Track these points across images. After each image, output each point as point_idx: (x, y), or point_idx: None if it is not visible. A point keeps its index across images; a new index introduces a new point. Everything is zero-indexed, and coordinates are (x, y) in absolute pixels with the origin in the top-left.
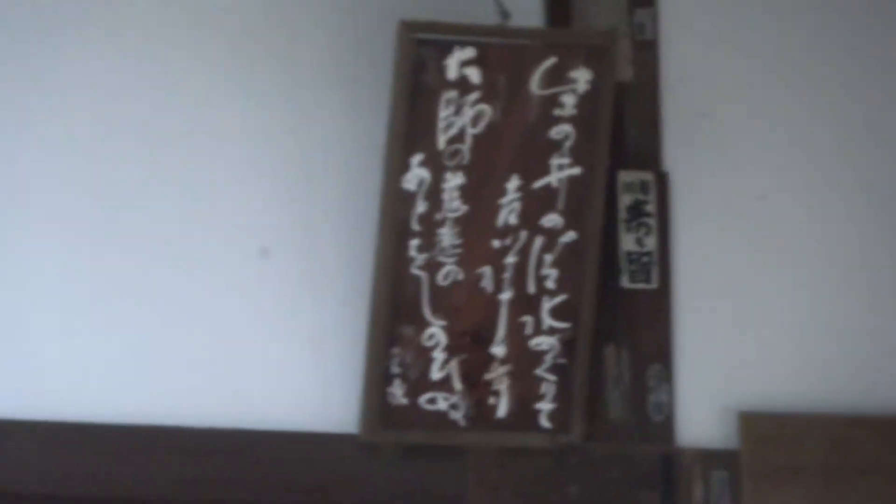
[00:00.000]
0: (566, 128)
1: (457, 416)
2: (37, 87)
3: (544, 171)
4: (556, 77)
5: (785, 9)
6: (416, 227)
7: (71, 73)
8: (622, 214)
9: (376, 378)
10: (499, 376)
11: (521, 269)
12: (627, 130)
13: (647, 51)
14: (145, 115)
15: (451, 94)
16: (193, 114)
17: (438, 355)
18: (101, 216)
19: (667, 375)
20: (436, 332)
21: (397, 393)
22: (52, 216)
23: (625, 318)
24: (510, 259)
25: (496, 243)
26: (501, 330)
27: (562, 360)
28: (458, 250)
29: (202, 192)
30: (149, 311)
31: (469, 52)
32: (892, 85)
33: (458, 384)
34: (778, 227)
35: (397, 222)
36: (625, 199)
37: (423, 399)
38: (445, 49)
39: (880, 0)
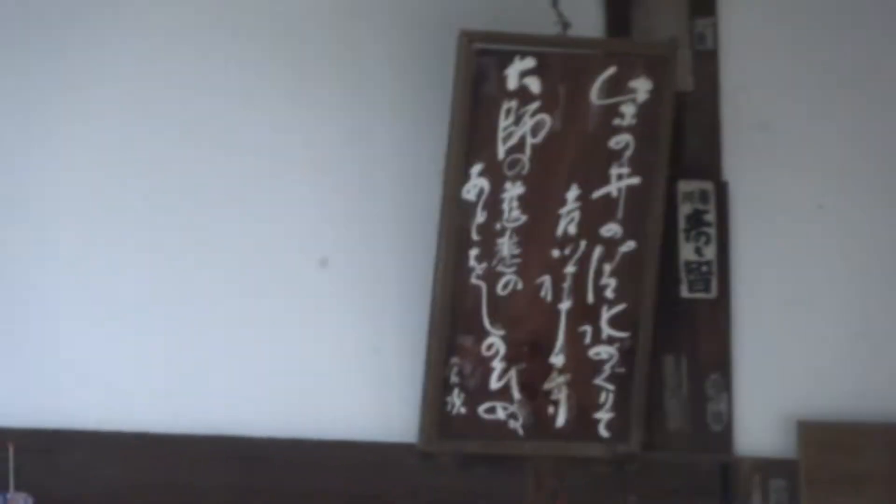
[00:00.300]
0: (625, 137)
1: (515, 425)
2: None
3: (604, 180)
4: (616, 87)
5: (844, 20)
6: (475, 237)
7: (125, 81)
8: (681, 224)
9: (435, 387)
10: (557, 385)
11: (580, 279)
12: (687, 140)
13: (707, 61)
14: (204, 126)
15: (511, 103)
16: (254, 125)
17: (497, 365)
18: (158, 228)
19: (725, 385)
20: (495, 342)
21: (456, 402)
22: (102, 228)
23: (683, 327)
24: (569, 269)
25: (555, 253)
26: (560, 339)
27: (620, 370)
28: (518, 260)
29: (262, 204)
30: (211, 324)
31: (529, 62)
32: None
33: (516, 393)
34: (837, 235)
35: (457, 232)
36: (684, 209)
37: (481, 408)
38: (506, 59)
39: None
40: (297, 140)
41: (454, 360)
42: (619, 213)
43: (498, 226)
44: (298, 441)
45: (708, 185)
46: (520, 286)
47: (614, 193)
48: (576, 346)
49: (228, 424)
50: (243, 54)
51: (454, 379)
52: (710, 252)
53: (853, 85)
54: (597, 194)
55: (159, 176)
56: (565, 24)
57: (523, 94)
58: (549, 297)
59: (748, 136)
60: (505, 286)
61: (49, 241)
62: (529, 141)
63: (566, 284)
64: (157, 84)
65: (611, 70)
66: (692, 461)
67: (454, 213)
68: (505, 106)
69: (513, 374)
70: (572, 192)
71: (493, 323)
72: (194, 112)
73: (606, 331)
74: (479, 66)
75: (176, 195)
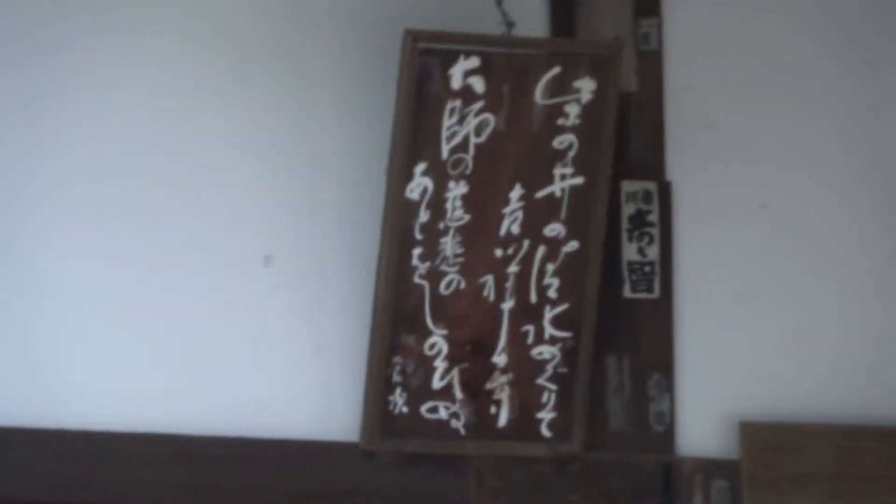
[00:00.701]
0: (569, 137)
1: (457, 424)
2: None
3: (547, 180)
4: (560, 87)
5: (790, 21)
6: (418, 236)
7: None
8: (625, 224)
9: (377, 387)
10: (500, 385)
11: (522, 279)
12: (631, 140)
13: (651, 61)
14: (149, 127)
15: (455, 103)
16: (200, 125)
17: (440, 364)
18: (101, 229)
19: (668, 385)
20: (437, 341)
21: (398, 401)
22: (62, 225)
23: (626, 327)
24: (512, 268)
25: (498, 252)
26: (503, 339)
27: (563, 370)
28: (461, 259)
29: (206, 202)
30: (152, 321)
31: (473, 62)
32: None
33: (458, 393)
34: (780, 235)
35: (400, 231)
36: (627, 209)
37: (423, 408)
38: (450, 58)
39: (885, 10)
40: (242, 139)
41: (396, 359)
42: (563, 213)
43: (441, 225)
44: (241, 440)
45: (651, 186)
46: (462, 286)
47: (558, 193)
48: (518, 346)
49: (170, 422)
50: (187, 55)
51: (396, 378)
52: (652, 252)
53: (797, 86)
54: (540, 194)
55: (103, 177)
56: (510, 24)
57: (467, 94)
58: (491, 297)
59: (692, 136)
60: (448, 285)
61: None
62: (473, 140)
63: (509, 284)
64: (105, 85)
65: (555, 70)
66: (634, 461)
67: (397, 213)
68: (449, 105)
69: (455, 373)
70: (516, 192)
71: (435, 322)
72: (141, 113)
73: (549, 331)
74: (423, 66)
75: (121, 198)
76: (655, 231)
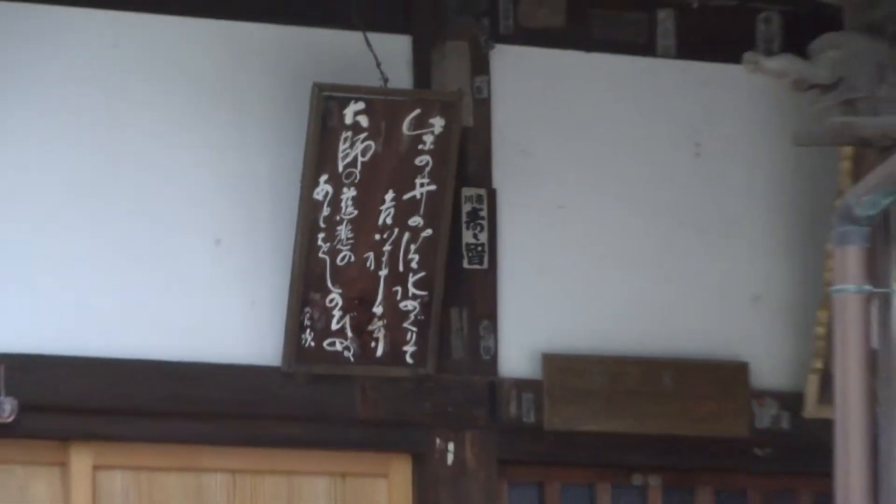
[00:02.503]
0: (426, 157)
1: (348, 354)
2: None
3: (411, 187)
4: (420, 123)
5: (584, 78)
6: (322, 224)
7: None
8: (464, 217)
9: (293, 328)
10: (378, 328)
11: (394, 255)
12: (468, 160)
13: (482, 105)
14: (129, 149)
15: (348, 133)
16: (164, 152)
17: (336, 313)
18: (96, 207)
19: (493, 328)
20: (335, 297)
21: (308, 338)
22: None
23: (464, 289)
24: (387, 247)
25: (377, 237)
26: (380, 296)
27: (421, 317)
28: (351, 241)
29: (172, 198)
30: (120, 274)
31: (360, 105)
32: (656, 141)
33: (349, 333)
34: (572, 226)
35: (310, 222)
36: (466, 207)
37: (325, 343)
38: (344, 102)
39: (668, 75)
40: (201, 153)
41: (307, 309)
42: (421, 210)
43: (338, 217)
44: (194, 364)
45: (482, 191)
46: (352, 259)
47: (418, 196)
48: (390, 301)
49: (157, 351)
50: (154, 95)
51: (307, 322)
52: (483, 237)
53: (587, 123)
54: (406, 196)
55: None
56: (385, 80)
57: (356, 127)
58: (372, 267)
59: (511, 158)
60: (342, 259)
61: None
62: (360, 159)
63: (384, 258)
64: (100, 118)
65: (416, 111)
66: (470, 380)
67: (308, 208)
68: (343, 135)
69: (347, 319)
70: (389, 195)
71: (333, 284)
72: (122, 135)
73: (411, 290)
74: (326, 108)
75: (106, 192)
76: (485, 223)
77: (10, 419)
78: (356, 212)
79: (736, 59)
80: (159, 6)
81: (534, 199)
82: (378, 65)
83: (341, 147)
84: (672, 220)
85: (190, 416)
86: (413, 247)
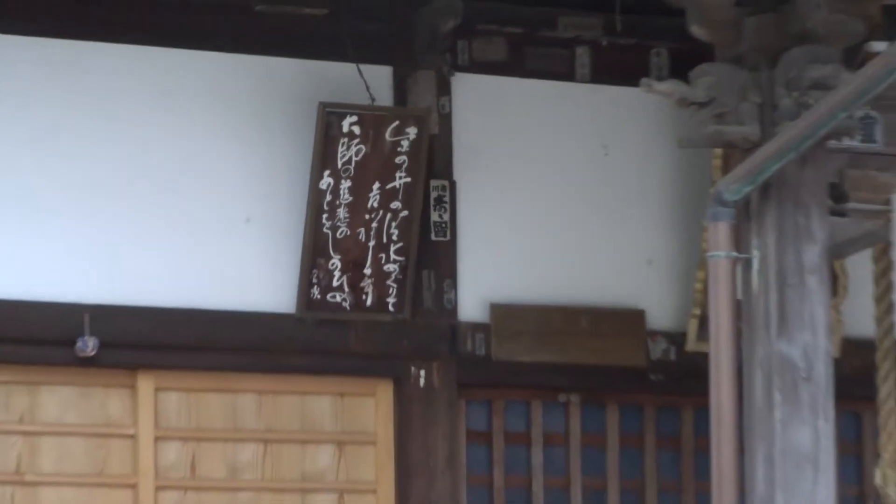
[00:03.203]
0: (404, 157)
1: (346, 304)
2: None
3: (392, 179)
4: (399, 131)
5: (520, 98)
6: (325, 208)
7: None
8: (431, 202)
9: (304, 285)
10: (367, 285)
11: (379, 230)
12: (435, 159)
13: (445, 119)
14: (189, 155)
15: (345, 139)
16: (208, 157)
17: (336, 273)
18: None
19: (454, 285)
20: (335, 262)
21: (315, 292)
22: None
23: (432, 255)
24: (374, 225)
25: (367, 216)
26: (369, 261)
27: (399, 277)
28: (347, 220)
29: (208, 184)
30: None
31: (354, 118)
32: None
33: (346, 289)
34: (513, 208)
35: (316, 205)
36: (433, 194)
37: (328, 296)
38: (342, 116)
39: (584, 95)
40: (236, 156)
41: (314, 271)
42: (400, 196)
43: (337, 202)
44: (233, 312)
45: (445, 182)
46: (348, 233)
47: (397, 186)
48: (377, 264)
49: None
50: (201, 113)
51: (314, 281)
52: (446, 217)
53: (525, 131)
54: (388, 186)
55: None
56: (373, 99)
57: (351, 135)
58: (363, 239)
59: (466, 158)
60: (340, 233)
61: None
62: (354, 159)
63: (372, 233)
64: (162, 128)
65: (396, 122)
66: (436, 324)
67: (315, 195)
68: (341, 140)
69: (344, 278)
70: (375, 185)
71: (334, 252)
72: (179, 144)
73: (392, 257)
74: (328, 120)
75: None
76: (447, 206)
77: (92, 353)
78: (351, 198)
79: (635, 84)
80: (206, 44)
81: (484, 188)
82: (367, 88)
83: (340, 150)
84: (588, 202)
85: (226, 350)
86: (394, 224)
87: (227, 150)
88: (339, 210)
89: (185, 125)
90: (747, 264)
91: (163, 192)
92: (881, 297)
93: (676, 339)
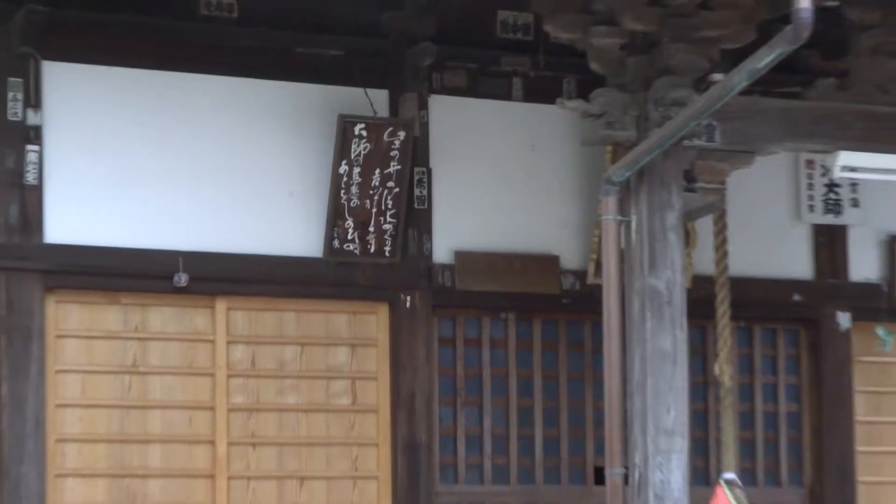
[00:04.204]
0: (396, 151)
1: (356, 252)
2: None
3: (388, 167)
4: (392, 134)
5: (475, 112)
6: (342, 186)
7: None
8: (415, 182)
9: (328, 238)
10: (371, 238)
11: (379, 202)
12: (417, 153)
13: (425, 126)
14: (252, 152)
15: (356, 139)
16: (263, 152)
17: (350, 231)
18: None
19: (430, 239)
20: (350, 223)
21: (336, 243)
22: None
23: (415, 219)
24: (376, 198)
25: (371, 192)
26: (372, 222)
27: (393, 233)
28: (357, 195)
29: (259, 175)
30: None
31: (362, 125)
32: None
33: (357, 241)
34: (470, 188)
35: (336, 184)
36: (416, 177)
37: (344, 245)
38: (354, 124)
39: (519, 111)
40: (282, 151)
41: (335, 229)
42: (393, 178)
43: (352, 182)
44: (276, 256)
45: (424, 169)
46: (358, 203)
47: (392, 172)
48: (377, 225)
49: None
50: (259, 120)
51: (335, 236)
52: (425, 192)
53: (480, 135)
54: (385, 172)
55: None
56: (375, 112)
57: (360, 136)
58: (368, 207)
59: (439, 153)
60: (353, 204)
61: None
62: (362, 153)
63: (374, 203)
64: (215, 133)
65: (391, 128)
66: (418, 264)
67: (336, 177)
68: (354, 140)
69: (356, 234)
70: (377, 171)
71: (348, 216)
72: (239, 144)
73: (388, 219)
74: (345, 126)
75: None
76: (426, 185)
77: (184, 285)
78: (360, 179)
79: (552, 102)
80: (260, 74)
81: (450, 173)
82: (371, 105)
83: (353, 147)
84: (521, 183)
85: (275, 283)
86: (389, 197)
87: (277, 148)
88: (352, 188)
89: (247, 131)
90: (628, 225)
91: (233, 176)
92: (718, 246)
93: (580, 275)
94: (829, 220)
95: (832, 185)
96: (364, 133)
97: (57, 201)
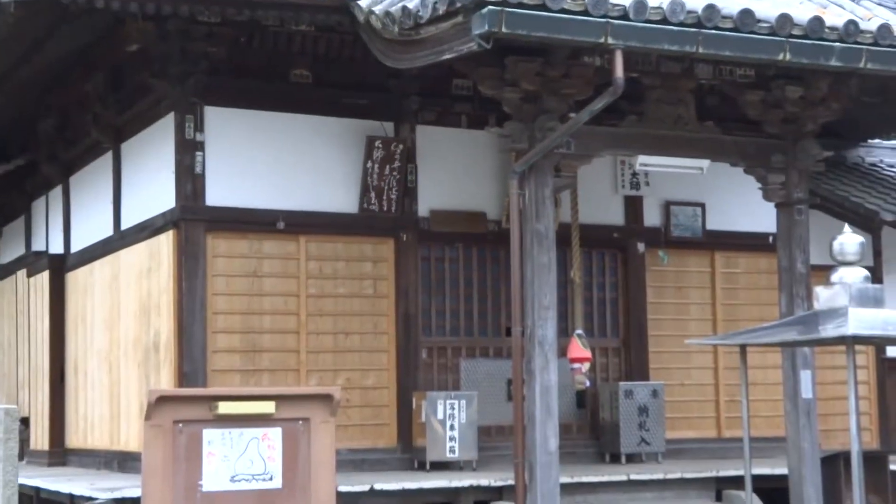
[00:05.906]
0: (398, 156)
1: (376, 210)
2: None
3: (393, 163)
4: (396, 146)
5: (440, 135)
6: (369, 174)
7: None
8: (408, 173)
9: (362, 202)
10: (385, 201)
11: (389, 183)
12: (409, 156)
13: (413, 142)
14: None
15: (376, 149)
16: (319, 165)
17: (373, 198)
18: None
19: (416, 202)
20: (373, 195)
21: (365, 205)
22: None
23: (409, 192)
24: (386, 182)
25: (384, 177)
26: (384, 194)
27: (397, 200)
28: (376, 180)
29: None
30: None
31: (380, 143)
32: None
33: (376, 203)
34: (451, 171)
35: (365, 175)
36: (409, 168)
37: (370, 206)
38: (374, 140)
39: (468, 136)
40: (334, 158)
41: (365, 198)
42: (396, 170)
43: (374, 173)
44: (326, 212)
45: (413, 165)
46: (377, 184)
47: (396, 167)
48: (388, 197)
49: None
50: (315, 141)
51: (364, 202)
52: (413, 178)
53: (444, 146)
54: (392, 167)
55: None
56: (386, 133)
57: (377, 148)
58: (384, 187)
59: (423, 156)
60: (374, 184)
61: None
62: (379, 157)
63: (386, 184)
64: (303, 146)
65: (395, 143)
66: (410, 217)
67: (364, 170)
68: (374, 150)
69: (376, 200)
70: (387, 166)
71: (371, 190)
72: (310, 157)
73: (394, 193)
74: (370, 143)
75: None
76: (414, 174)
77: (282, 228)
78: (378, 171)
79: (482, 128)
80: (321, 112)
81: (429, 167)
82: (384, 130)
83: (373, 153)
84: (472, 173)
85: (331, 225)
86: (394, 181)
87: (333, 156)
88: (373, 175)
89: (317, 147)
90: (524, 195)
91: (310, 169)
92: (573, 207)
93: (498, 223)
94: (633, 192)
95: (634, 173)
96: (380, 146)
97: (212, 182)
